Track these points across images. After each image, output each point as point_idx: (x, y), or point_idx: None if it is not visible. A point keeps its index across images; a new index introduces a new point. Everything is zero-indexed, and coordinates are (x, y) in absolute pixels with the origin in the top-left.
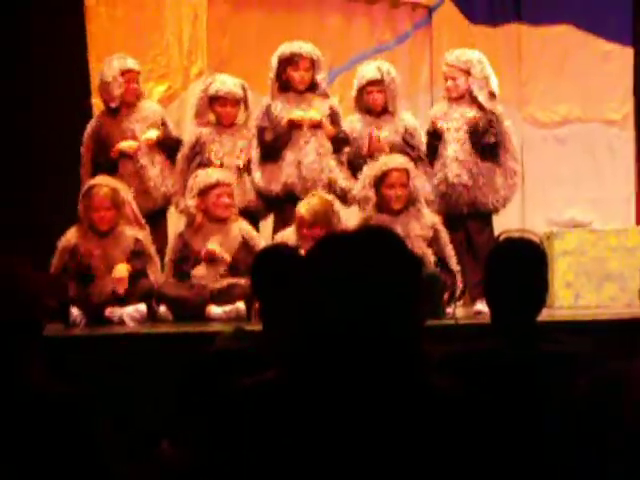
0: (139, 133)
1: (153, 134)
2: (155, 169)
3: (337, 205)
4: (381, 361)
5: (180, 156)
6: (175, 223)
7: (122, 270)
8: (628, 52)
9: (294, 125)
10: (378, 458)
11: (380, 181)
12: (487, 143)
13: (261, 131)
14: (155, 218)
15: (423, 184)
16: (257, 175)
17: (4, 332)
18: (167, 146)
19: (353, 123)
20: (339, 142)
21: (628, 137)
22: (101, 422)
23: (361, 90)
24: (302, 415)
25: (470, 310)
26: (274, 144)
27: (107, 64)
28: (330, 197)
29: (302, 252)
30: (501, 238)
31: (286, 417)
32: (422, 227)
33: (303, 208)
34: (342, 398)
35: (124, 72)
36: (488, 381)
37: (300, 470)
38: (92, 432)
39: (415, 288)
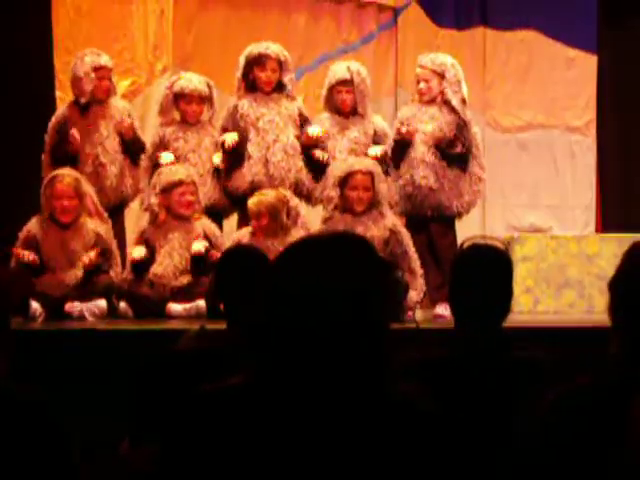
0: (103, 130)
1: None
2: (114, 168)
3: (294, 201)
4: (348, 367)
5: (145, 156)
6: (133, 221)
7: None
8: (592, 59)
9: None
10: (345, 467)
11: (344, 182)
12: (455, 153)
13: (224, 131)
14: (111, 215)
15: (387, 187)
16: (222, 173)
17: None
18: (132, 147)
19: (322, 122)
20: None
21: (590, 144)
22: (64, 422)
23: (331, 90)
24: (266, 423)
25: (430, 313)
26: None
27: (80, 59)
28: (287, 193)
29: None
30: (466, 244)
31: (249, 424)
32: (379, 228)
33: (250, 201)
34: (308, 405)
35: (96, 68)
36: (452, 388)
37: (264, 476)
38: (57, 432)
39: (384, 292)
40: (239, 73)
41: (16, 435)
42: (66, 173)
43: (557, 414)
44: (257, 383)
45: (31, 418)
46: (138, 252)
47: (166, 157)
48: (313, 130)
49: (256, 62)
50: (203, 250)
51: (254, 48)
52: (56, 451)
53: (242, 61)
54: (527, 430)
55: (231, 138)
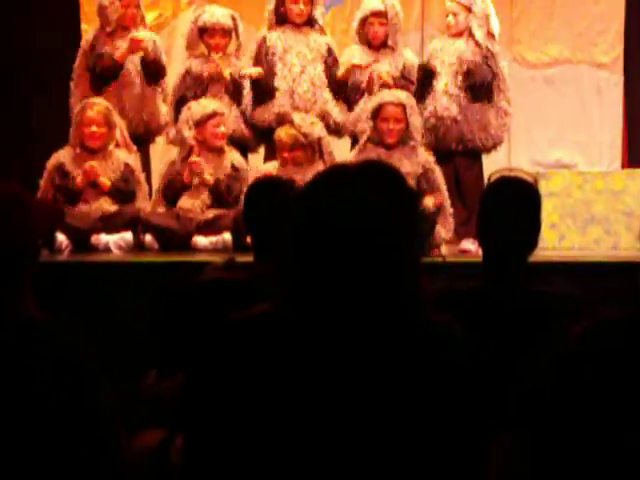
0: (129, 59)
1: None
2: (135, 91)
3: (323, 132)
4: (379, 296)
5: (172, 89)
6: (158, 155)
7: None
8: None
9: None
10: (376, 393)
11: (376, 114)
12: (483, 82)
13: (257, 61)
14: (137, 147)
15: (420, 121)
16: (249, 105)
17: (6, 259)
18: (151, 68)
19: (352, 54)
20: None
21: (617, 81)
22: (90, 352)
23: (363, 21)
24: (298, 348)
25: (455, 248)
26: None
27: None
28: (315, 121)
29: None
30: (494, 177)
31: (282, 349)
32: (412, 164)
33: (282, 131)
34: (339, 333)
35: None
36: (479, 319)
37: (294, 402)
38: (83, 361)
39: (414, 222)
40: (271, 6)
41: (37, 362)
42: (97, 101)
43: (586, 346)
44: (287, 311)
45: (61, 346)
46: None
47: (251, 71)
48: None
49: None
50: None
51: None
52: (86, 379)
53: None
54: (554, 362)
55: (254, 70)
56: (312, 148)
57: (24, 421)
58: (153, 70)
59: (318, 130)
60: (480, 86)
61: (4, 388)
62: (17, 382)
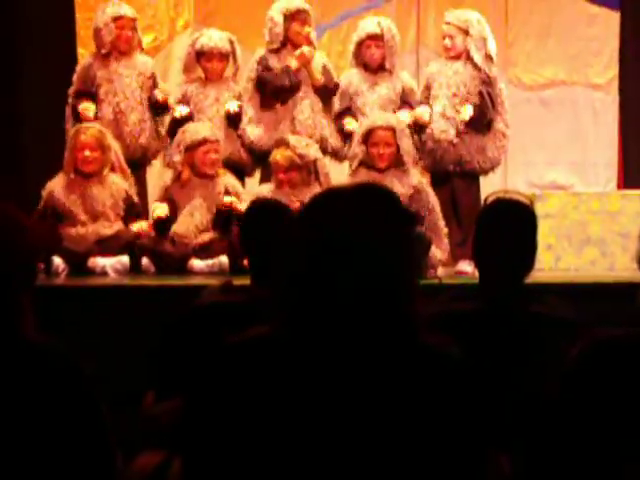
0: (126, 79)
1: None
2: (134, 116)
3: (318, 155)
4: (376, 318)
5: (170, 113)
6: (155, 179)
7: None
8: (615, 16)
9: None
10: (373, 414)
11: (367, 138)
12: (488, 119)
13: (258, 80)
14: (134, 171)
15: (411, 144)
16: (249, 130)
17: (4, 281)
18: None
19: (350, 77)
20: (327, 92)
21: (612, 102)
22: (88, 375)
23: (360, 44)
24: (296, 371)
25: (452, 270)
26: (277, 86)
27: (100, 11)
28: (312, 145)
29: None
30: (490, 199)
31: (280, 372)
32: (404, 186)
33: (278, 153)
34: (336, 355)
35: (116, 19)
36: (476, 340)
37: (293, 425)
38: (82, 384)
39: (409, 243)
40: (279, 28)
41: (38, 386)
42: (90, 125)
43: (584, 366)
44: (284, 334)
45: (61, 369)
46: (161, 210)
47: (181, 110)
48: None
49: (294, 17)
50: (231, 203)
51: (288, 3)
52: (85, 402)
53: (279, 16)
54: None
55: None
56: (308, 170)
57: (23, 443)
58: (161, 110)
59: (314, 151)
60: (485, 119)
61: (3, 410)
62: (16, 404)
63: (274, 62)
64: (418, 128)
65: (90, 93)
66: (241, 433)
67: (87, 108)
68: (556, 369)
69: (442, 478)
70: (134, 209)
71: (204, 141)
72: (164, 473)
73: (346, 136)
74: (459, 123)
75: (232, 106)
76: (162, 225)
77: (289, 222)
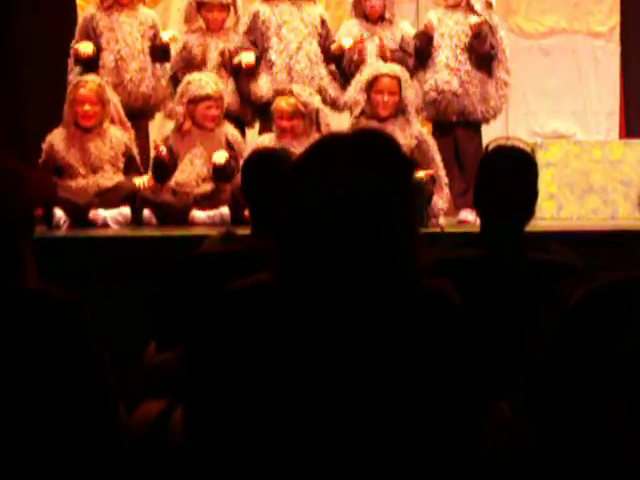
0: (127, 27)
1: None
2: (135, 64)
3: (320, 104)
4: (375, 263)
5: (169, 64)
6: (156, 132)
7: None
8: None
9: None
10: (372, 360)
11: (370, 86)
12: (485, 51)
13: (247, 37)
14: (136, 122)
15: (414, 94)
16: (246, 81)
17: (6, 231)
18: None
19: (350, 28)
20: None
21: (614, 50)
22: (93, 326)
23: None
24: (295, 317)
25: (454, 219)
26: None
27: None
28: (314, 94)
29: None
30: (491, 146)
31: (279, 318)
32: (406, 136)
33: (283, 100)
34: (335, 301)
35: None
36: (477, 287)
37: (293, 370)
38: (86, 332)
39: (409, 189)
40: None
41: (50, 335)
42: (90, 79)
43: (590, 306)
44: (283, 280)
45: (63, 317)
46: None
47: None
48: (346, 42)
49: None
50: (224, 162)
51: None
52: (87, 350)
53: None
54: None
55: (247, 59)
56: (310, 119)
57: (24, 391)
58: (162, 57)
59: (316, 101)
60: (481, 56)
61: (8, 358)
62: (19, 352)
63: (266, 13)
64: None
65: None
66: (241, 378)
67: (86, 46)
68: (557, 314)
69: (441, 424)
70: (134, 163)
71: (207, 97)
72: (166, 421)
73: (345, 80)
74: (462, 71)
75: (248, 57)
76: (162, 168)
77: (288, 169)
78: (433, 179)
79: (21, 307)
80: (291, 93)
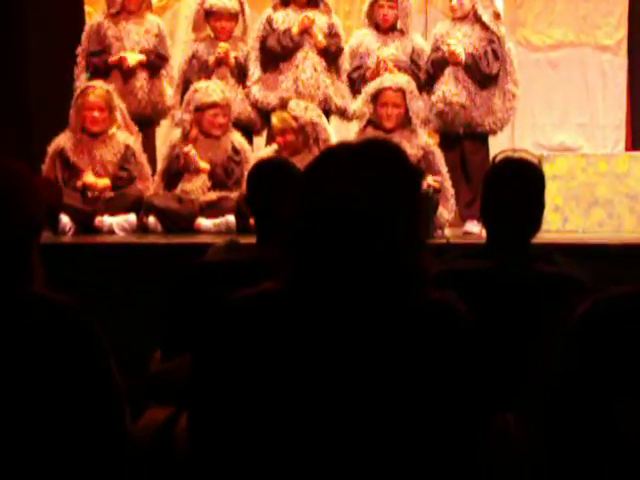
0: (134, 36)
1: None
2: (144, 72)
3: (319, 118)
4: (381, 273)
5: (177, 72)
6: (163, 139)
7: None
8: None
9: (304, 29)
10: (378, 369)
11: (375, 99)
12: (489, 73)
13: (263, 40)
14: (143, 129)
15: (420, 105)
16: (254, 88)
17: (10, 238)
18: (154, 65)
19: (361, 37)
20: (329, 55)
21: (621, 63)
22: (101, 332)
23: (373, 4)
24: (301, 326)
25: (460, 230)
26: (280, 51)
27: None
28: (314, 108)
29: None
30: (499, 158)
31: (285, 326)
32: (412, 147)
33: (274, 116)
34: (341, 310)
35: None
36: (483, 299)
37: (299, 379)
38: (94, 339)
39: (416, 199)
40: None
41: (58, 342)
42: (98, 85)
43: (595, 321)
44: (289, 290)
45: (71, 323)
46: None
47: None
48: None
49: None
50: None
51: None
52: (95, 356)
53: None
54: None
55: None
56: (305, 134)
57: (32, 397)
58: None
59: (312, 115)
60: (482, 77)
61: (15, 363)
62: (26, 359)
63: (279, 19)
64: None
65: (100, 52)
66: (248, 386)
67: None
68: (563, 326)
69: (446, 435)
70: (131, 160)
71: (213, 104)
72: (171, 428)
73: (355, 92)
74: (469, 83)
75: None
76: (178, 175)
77: (295, 181)
78: (438, 190)
79: (29, 313)
80: (285, 107)
